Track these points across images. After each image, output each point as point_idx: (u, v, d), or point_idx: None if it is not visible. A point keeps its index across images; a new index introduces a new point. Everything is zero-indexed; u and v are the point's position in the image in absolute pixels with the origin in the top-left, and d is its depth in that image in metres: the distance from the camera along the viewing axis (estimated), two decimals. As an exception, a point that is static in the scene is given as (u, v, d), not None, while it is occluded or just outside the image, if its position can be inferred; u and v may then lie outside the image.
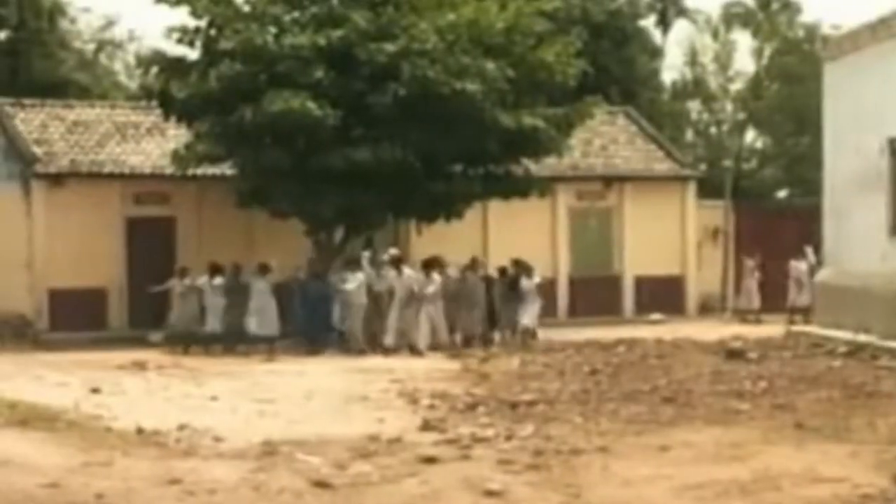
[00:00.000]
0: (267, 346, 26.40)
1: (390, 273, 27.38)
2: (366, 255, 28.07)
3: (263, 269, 27.31)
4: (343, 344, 27.00)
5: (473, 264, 28.87)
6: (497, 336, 28.28)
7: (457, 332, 27.82)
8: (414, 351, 26.43)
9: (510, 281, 28.70)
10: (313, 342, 26.90)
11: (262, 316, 26.81)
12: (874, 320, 23.42)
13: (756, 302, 34.27)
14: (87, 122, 33.46)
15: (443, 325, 27.34)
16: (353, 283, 26.95)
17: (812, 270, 31.03)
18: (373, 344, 26.90)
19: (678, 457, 13.24)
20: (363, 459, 13.33)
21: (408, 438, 14.70)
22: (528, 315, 28.31)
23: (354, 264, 27.54)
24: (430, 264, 27.77)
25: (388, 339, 26.80)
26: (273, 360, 25.44)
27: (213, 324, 27.37)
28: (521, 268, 28.97)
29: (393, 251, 28.23)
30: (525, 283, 28.52)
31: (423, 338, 26.75)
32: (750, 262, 34.73)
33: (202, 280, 27.75)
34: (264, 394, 19.47)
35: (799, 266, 32.56)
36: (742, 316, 33.98)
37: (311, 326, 27.26)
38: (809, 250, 32.16)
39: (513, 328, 28.42)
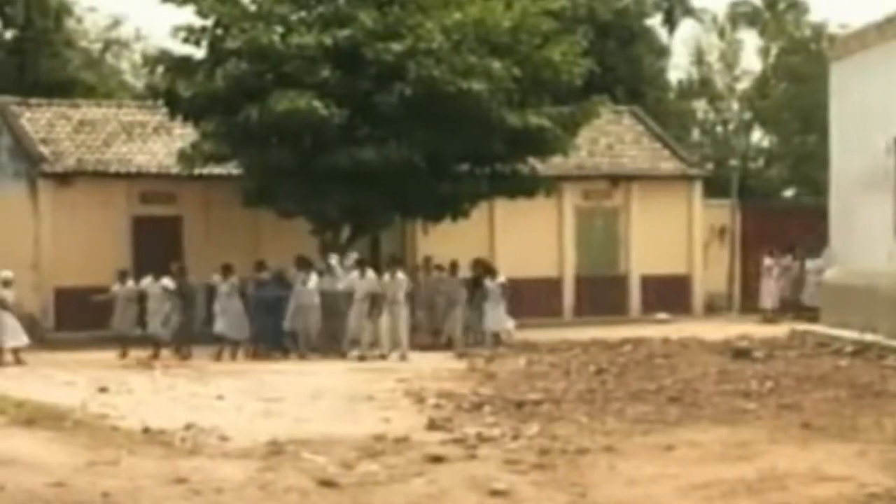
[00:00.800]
0: (216, 349, 26.03)
1: (352, 275, 26.56)
2: (335, 255, 27.50)
3: (227, 271, 26.82)
4: (292, 346, 26.30)
5: (453, 267, 28.45)
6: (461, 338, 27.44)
7: (437, 332, 27.50)
8: (377, 355, 25.49)
9: (473, 282, 28.00)
10: (269, 345, 26.23)
11: (225, 318, 26.25)
12: (880, 319, 23.40)
13: (776, 300, 34.18)
14: (94, 121, 33.51)
15: (406, 327, 26.32)
16: (311, 283, 26.34)
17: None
18: (334, 347, 26.19)
19: (684, 456, 13.24)
20: (369, 459, 13.33)
21: (414, 438, 14.69)
22: (494, 319, 27.48)
23: (307, 265, 26.86)
24: (394, 264, 27.08)
25: (346, 344, 25.93)
26: (220, 362, 25.27)
27: (157, 327, 26.68)
28: (484, 268, 28.35)
29: (354, 255, 27.37)
30: (489, 284, 27.78)
31: (386, 341, 25.74)
32: (769, 261, 34.68)
33: (146, 282, 27.11)
34: (270, 393, 19.48)
35: (817, 264, 32.29)
36: (763, 315, 33.74)
37: (263, 330, 26.47)
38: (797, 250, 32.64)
39: (475, 331, 27.66)
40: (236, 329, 26.39)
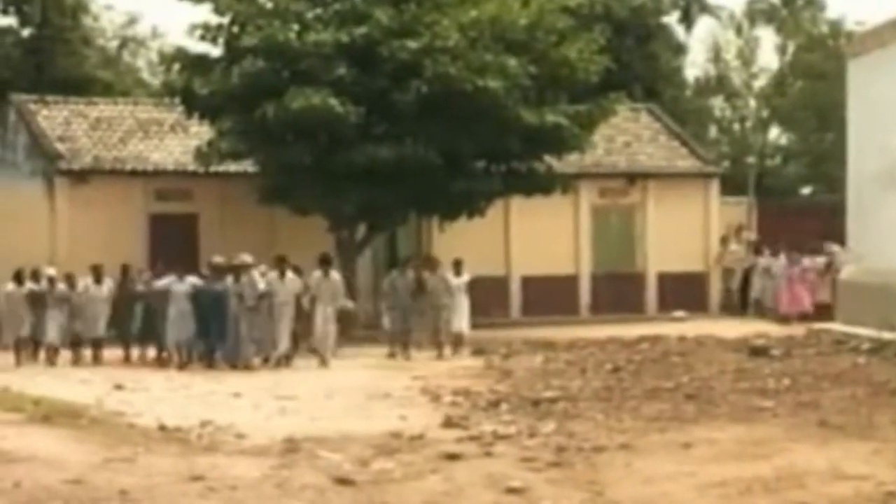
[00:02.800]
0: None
1: (271, 276, 24.80)
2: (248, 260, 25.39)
3: (182, 271, 25.37)
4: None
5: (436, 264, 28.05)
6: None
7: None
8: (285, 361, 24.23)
9: (417, 280, 26.29)
10: (210, 349, 24.54)
11: (180, 322, 24.45)
12: (898, 317, 23.31)
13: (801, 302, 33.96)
14: (110, 119, 33.59)
15: (332, 330, 24.86)
16: (261, 287, 24.56)
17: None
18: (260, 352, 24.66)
19: (701, 454, 13.20)
20: (385, 456, 13.32)
21: (430, 435, 14.67)
22: (457, 318, 25.95)
23: (248, 268, 24.85)
24: (324, 264, 25.33)
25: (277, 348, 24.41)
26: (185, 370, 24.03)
27: (95, 329, 25.41)
28: (430, 264, 26.98)
29: (245, 256, 25.13)
30: (460, 280, 26.28)
31: (320, 344, 24.45)
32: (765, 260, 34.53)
33: (82, 284, 25.70)
34: (286, 391, 19.49)
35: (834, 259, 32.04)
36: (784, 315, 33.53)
37: (207, 333, 24.55)
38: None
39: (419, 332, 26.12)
40: (186, 333, 24.66)
